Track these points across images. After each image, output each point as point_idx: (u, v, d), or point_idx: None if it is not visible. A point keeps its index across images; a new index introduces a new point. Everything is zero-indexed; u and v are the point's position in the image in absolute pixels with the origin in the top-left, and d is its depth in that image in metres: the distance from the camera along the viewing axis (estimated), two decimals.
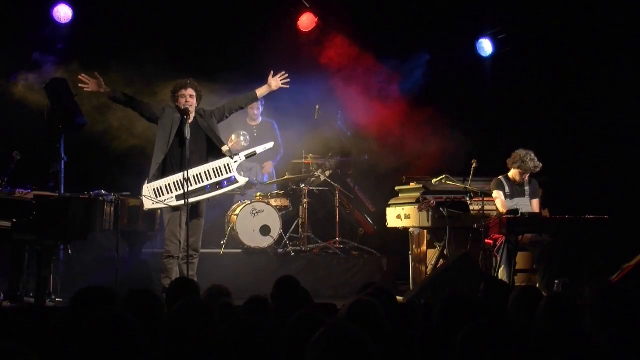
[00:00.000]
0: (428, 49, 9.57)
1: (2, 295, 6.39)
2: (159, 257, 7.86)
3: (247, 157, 6.97)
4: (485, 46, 10.00)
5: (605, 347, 2.83)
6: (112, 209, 6.95)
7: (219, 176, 6.76)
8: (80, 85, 6.88)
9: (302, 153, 8.94)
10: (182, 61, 8.91)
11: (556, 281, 7.08)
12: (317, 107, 9.06)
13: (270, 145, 7.12)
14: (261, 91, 7.13)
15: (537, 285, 6.95)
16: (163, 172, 6.74)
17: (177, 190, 6.56)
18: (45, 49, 8.51)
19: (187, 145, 6.58)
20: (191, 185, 6.61)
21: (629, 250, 7.36)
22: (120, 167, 8.68)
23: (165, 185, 6.62)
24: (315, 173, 8.89)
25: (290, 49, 9.36)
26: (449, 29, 9.71)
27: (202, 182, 6.71)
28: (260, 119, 9.03)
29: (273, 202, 8.60)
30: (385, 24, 9.51)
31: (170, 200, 6.59)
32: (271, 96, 8.49)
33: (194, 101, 6.80)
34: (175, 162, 6.72)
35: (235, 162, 6.83)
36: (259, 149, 7.06)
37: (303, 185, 8.88)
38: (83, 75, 6.82)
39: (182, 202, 6.55)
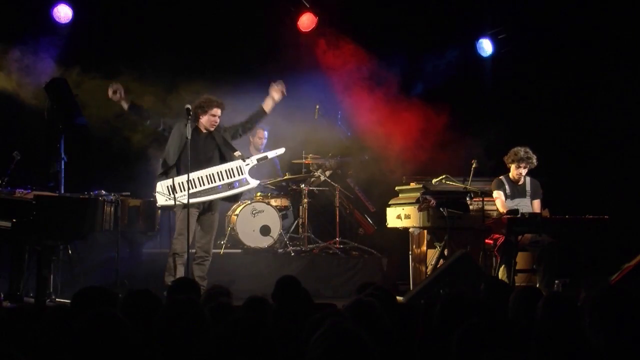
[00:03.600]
0: (428, 49, 9.57)
1: (2, 295, 6.39)
2: (159, 257, 7.88)
3: (259, 160, 7.20)
4: (485, 46, 9.99)
5: (605, 347, 2.83)
6: (112, 209, 6.96)
7: (231, 177, 6.98)
8: (110, 96, 7.03)
9: (302, 153, 8.94)
10: (182, 62, 8.93)
11: (556, 281, 7.08)
12: (317, 107, 9.06)
13: (281, 150, 7.40)
14: (267, 106, 7.36)
15: (537, 285, 6.95)
16: (174, 172, 6.87)
17: (190, 188, 6.70)
18: (45, 49, 8.51)
19: (188, 147, 6.73)
20: (203, 185, 6.85)
21: (629, 250, 7.36)
22: (121, 167, 8.70)
23: (179, 184, 6.75)
24: (315, 173, 8.89)
25: (290, 49, 9.37)
26: (449, 29, 9.71)
27: (215, 182, 6.92)
28: (263, 151, 9.07)
29: (273, 202, 8.61)
30: (385, 24, 9.51)
31: (183, 197, 6.69)
32: None
33: (218, 121, 7.08)
34: (185, 164, 6.81)
35: (247, 164, 7.05)
36: (271, 154, 7.33)
37: (303, 185, 8.88)
38: (116, 84, 7.02)
39: (194, 199, 6.72)
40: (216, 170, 6.97)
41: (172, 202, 6.74)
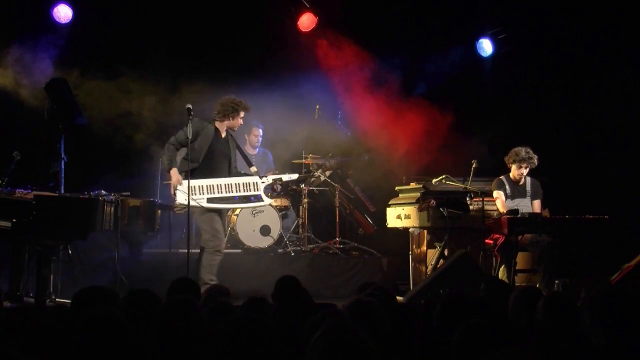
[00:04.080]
0: (428, 49, 9.57)
1: (2, 295, 6.39)
2: (159, 257, 7.88)
3: (275, 180, 7.37)
4: (485, 46, 9.99)
5: (605, 347, 2.83)
6: (112, 209, 6.96)
7: (247, 191, 7.11)
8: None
9: (302, 153, 8.94)
10: (183, 62, 8.92)
11: (556, 281, 7.08)
12: (317, 107, 9.06)
13: (295, 176, 7.66)
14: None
15: (537, 285, 6.95)
16: (192, 174, 6.90)
17: (208, 193, 6.88)
18: (45, 49, 8.51)
19: (189, 148, 6.85)
20: (222, 192, 6.97)
21: (629, 250, 7.36)
22: (121, 167, 8.70)
23: (199, 186, 6.89)
24: (315, 173, 8.89)
25: (290, 49, 9.37)
26: (449, 29, 9.71)
27: (232, 192, 7.05)
28: (258, 149, 9.07)
29: (273, 202, 8.59)
30: (385, 24, 9.51)
31: (202, 200, 6.83)
32: (271, 97, 8.53)
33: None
34: (205, 168, 6.95)
35: (263, 182, 7.18)
36: (285, 177, 7.51)
37: (303, 185, 8.88)
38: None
39: (212, 205, 6.91)
40: (234, 181, 7.08)
41: (192, 203, 6.80)
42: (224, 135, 7.14)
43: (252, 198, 7.14)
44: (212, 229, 6.94)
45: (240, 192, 7.07)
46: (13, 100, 8.16)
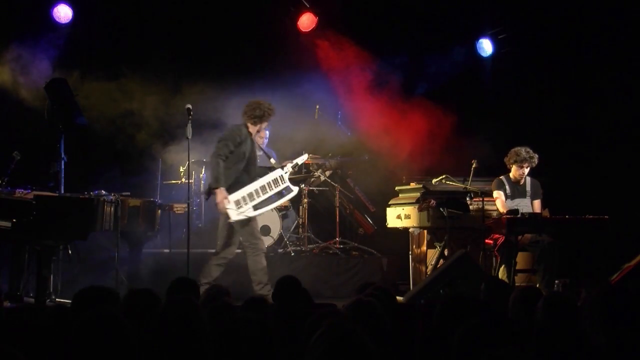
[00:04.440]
0: (428, 49, 9.57)
1: (2, 295, 6.39)
2: (159, 257, 7.89)
3: (293, 167, 7.37)
4: (485, 46, 9.99)
5: (605, 347, 2.83)
6: (112, 209, 6.96)
7: (278, 186, 7.13)
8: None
9: (302, 153, 8.93)
10: (184, 62, 8.93)
11: (556, 281, 7.08)
12: (317, 107, 9.07)
13: (305, 156, 7.59)
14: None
15: (537, 285, 6.95)
16: (235, 184, 6.92)
17: (251, 201, 6.90)
18: (45, 49, 8.51)
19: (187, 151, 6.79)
20: (260, 196, 6.98)
21: (629, 250, 7.36)
22: (121, 167, 8.70)
23: (242, 197, 6.90)
24: (315, 173, 8.89)
25: (290, 49, 9.37)
26: (449, 29, 9.71)
27: (267, 192, 7.06)
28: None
29: None
30: (385, 23, 9.51)
31: (249, 210, 6.87)
32: (272, 97, 8.53)
33: None
34: (244, 174, 6.95)
35: (285, 172, 7.20)
36: (299, 160, 7.49)
37: (303, 185, 8.88)
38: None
39: (260, 210, 6.96)
40: (265, 181, 7.07)
41: (242, 217, 6.81)
42: (252, 140, 7.12)
43: (284, 191, 7.15)
44: (256, 232, 7.01)
45: (273, 189, 7.07)
46: (13, 100, 8.16)
